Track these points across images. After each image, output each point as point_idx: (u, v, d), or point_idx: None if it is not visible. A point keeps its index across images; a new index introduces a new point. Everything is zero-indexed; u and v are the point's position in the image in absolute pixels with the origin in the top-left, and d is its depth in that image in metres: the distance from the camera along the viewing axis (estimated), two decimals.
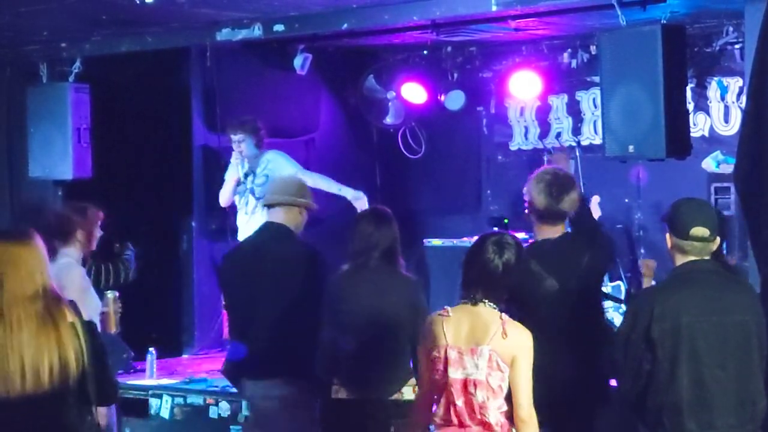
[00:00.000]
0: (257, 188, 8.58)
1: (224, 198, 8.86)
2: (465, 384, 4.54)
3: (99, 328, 6.21)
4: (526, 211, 5.50)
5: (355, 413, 5.47)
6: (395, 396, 5.45)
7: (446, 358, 4.56)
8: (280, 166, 8.59)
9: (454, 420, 4.55)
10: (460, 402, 4.54)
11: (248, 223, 8.58)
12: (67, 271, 6.18)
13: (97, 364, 4.38)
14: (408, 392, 5.46)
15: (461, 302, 4.65)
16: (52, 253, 6.10)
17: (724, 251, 5.17)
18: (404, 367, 5.48)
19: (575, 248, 5.40)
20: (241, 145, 8.60)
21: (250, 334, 5.99)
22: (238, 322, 6.16)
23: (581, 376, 5.25)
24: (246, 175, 8.68)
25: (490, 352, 4.52)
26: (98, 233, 6.51)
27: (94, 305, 6.30)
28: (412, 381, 5.44)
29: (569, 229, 5.57)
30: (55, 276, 5.95)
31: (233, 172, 8.77)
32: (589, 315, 5.42)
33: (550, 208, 5.35)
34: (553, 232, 5.39)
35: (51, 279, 4.43)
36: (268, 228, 6.15)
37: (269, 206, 6.15)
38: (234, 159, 8.72)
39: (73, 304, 4.45)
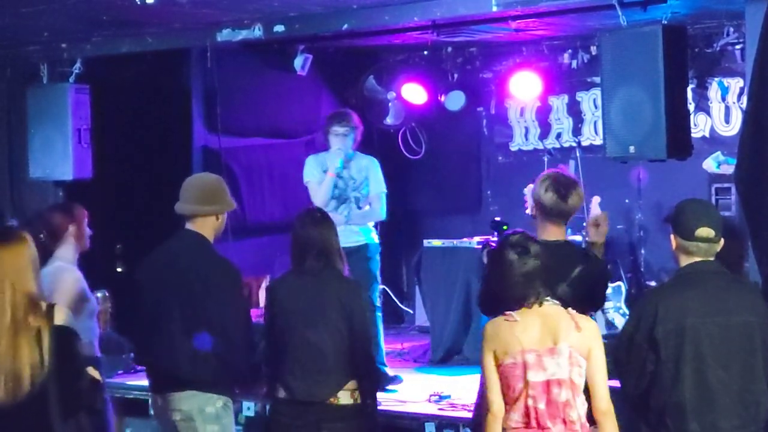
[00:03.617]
0: (362, 198, 8.20)
1: (324, 196, 8.07)
2: (548, 385, 4.52)
3: (96, 329, 6.20)
4: (531, 211, 5.46)
5: (288, 413, 5.45)
6: (330, 400, 5.40)
7: (525, 363, 4.52)
8: (377, 177, 8.21)
9: (533, 423, 4.51)
10: (542, 404, 4.51)
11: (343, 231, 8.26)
12: (60, 274, 6.06)
13: (63, 373, 4.29)
14: (344, 397, 5.40)
15: (518, 308, 4.60)
16: (46, 256, 6.08)
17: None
18: (340, 371, 5.42)
19: (569, 257, 5.37)
20: (345, 139, 8.12)
21: (157, 347, 5.78)
22: (146, 331, 5.88)
23: None
24: (340, 177, 8.13)
25: (569, 349, 4.53)
26: (88, 231, 6.41)
27: (91, 308, 6.24)
28: (350, 385, 5.41)
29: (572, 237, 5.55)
30: (49, 281, 5.93)
31: (327, 168, 8.12)
32: None
33: (557, 205, 5.35)
34: (557, 233, 5.37)
35: (30, 283, 4.36)
36: (187, 237, 5.88)
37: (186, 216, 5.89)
38: (335, 152, 8.09)
39: (48, 309, 4.35)
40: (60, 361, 4.29)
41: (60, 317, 4.42)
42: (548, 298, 4.62)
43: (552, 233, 5.37)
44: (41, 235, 6.10)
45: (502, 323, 4.58)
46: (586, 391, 4.61)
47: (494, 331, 4.59)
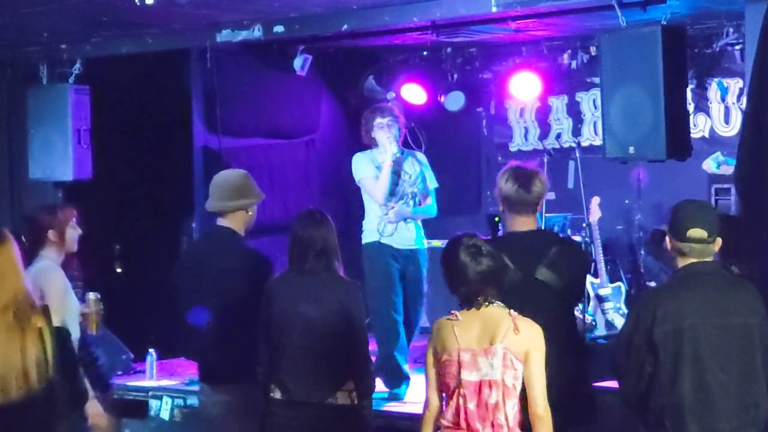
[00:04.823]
0: (419, 193, 7.93)
1: (384, 189, 7.76)
2: (480, 386, 4.53)
3: (79, 330, 6.22)
4: (500, 207, 5.47)
5: (285, 414, 5.45)
6: (328, 400, 5.41)
7: (459, 362, 4.55)
8: (428, 171, 8.00)
9: (463, 424, 4.53)
10: (472, 405, 4.52)
11: (392, 230, 7.84)
12: (46, 274, 6.07)
13: (64, 372, 4.31)
14: (342, 397, 5.41)
15: (466, 309, 4.63)
16: (31, 257, 6.09)
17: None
18: (338, 372, 5.43)
19: (543, 240, 5.38)
20: (390, 129, 7.78)
21: (198, 340, 5.98)
22: (187, 327, 6.07)
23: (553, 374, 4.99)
24: (395, 173, 7.82)
25: (503, 350, 4.51)
26: (74, 232, 6.38)
27: (75, 308, 6.25)
28: (347, 386, 5.42)
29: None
30: (34, 279, 5.95)
31: (379, 163, 7.80)
32: (558, 309, 5.27)
33: (519, 196, 5.34)
34: (526, 223, 5.37)
35: (24, 283, 4.37)
36: (215, 233, 6.10)
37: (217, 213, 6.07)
38: (389, 146, 7.75)
39: (44, 309, 4.36)
40: (61, 360, 4.31)
41: (56, 318, 4.44)
42: (496, 300, 4.62)
43: (521, 224, 5.36)
44: (23, 237, 6.12)
45: (444, 321, 4.63)
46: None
47: (437, 329, 4.65)
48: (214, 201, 6.09)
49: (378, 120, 7.84)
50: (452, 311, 4.65)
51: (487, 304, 4.61)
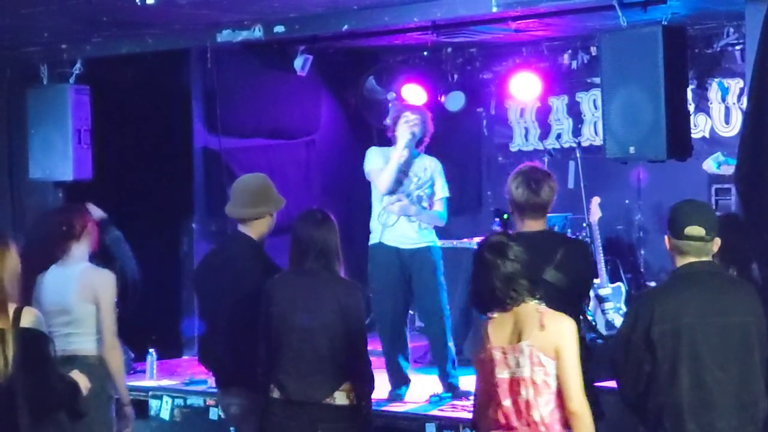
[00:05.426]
0: (425, 197, 7.81)
1: (389, 179, 7.65)
2: (511, 383, 4.52)
3: None
4: (510, 209, 5.49)
5: (283, 413, 5.46)
6: (326, 400, 5.40)
7: (492, 360, 4.56)
8: (441, 179, 7.90)
9: (502, 421, 4.53)
10: (507, 402, 4.52)
11: (393, 228, 7.75)
12: (100, 274, 6.07)
13: (32, 375, 4.28)
14: (340, 397, 5.41)
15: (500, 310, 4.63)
16: (59, 254, 6.09)
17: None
18: (336, 372, 5.43)
19: (550, 241, 5.39)
20: (413, 128, 7.70)
21: (215, 344, 6.03)
22: (206, 329, 6.18)
23: None
24: (402, 171, 7.71)
25: (529, 348, 4.48)
26: None
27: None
28: (346, 386, 5.41)
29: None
30: (85, 279, 5.95)
31: (393, 154, 7.69)
32: (564, 309, 5.28)
33: (530, 200, 5.35)
34: (535, 225, 5.39)
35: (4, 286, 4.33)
36: (235, 240, 6.13)
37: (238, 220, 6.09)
38: (403, 138, 7.67)
39: (16, 312, 4.34)
40: (26, 362, 4.26)
41: (28, 320, 4.39)
42: (532, 298, 4.58)
43: (531, 226, 5.38)
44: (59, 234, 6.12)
45: (484, 321, 4.65)
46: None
47: (478, 330, 4.72)
48: (236, 208, 6.08)
49: (406, 113, 7.77)
50: (494, 310, 4.62)
51: (520, 303, 4.57)
